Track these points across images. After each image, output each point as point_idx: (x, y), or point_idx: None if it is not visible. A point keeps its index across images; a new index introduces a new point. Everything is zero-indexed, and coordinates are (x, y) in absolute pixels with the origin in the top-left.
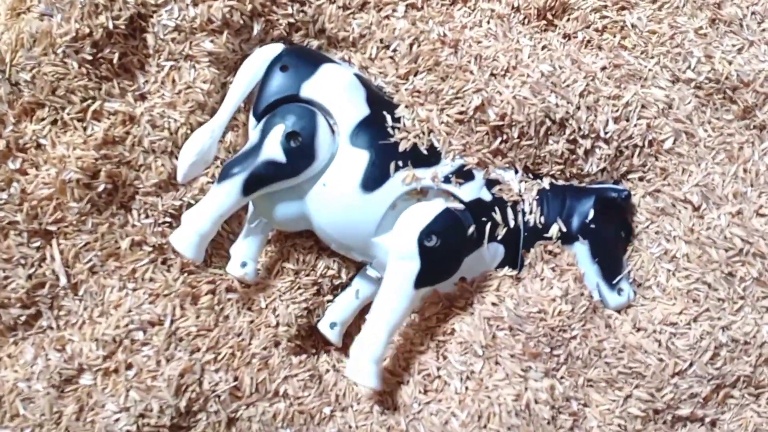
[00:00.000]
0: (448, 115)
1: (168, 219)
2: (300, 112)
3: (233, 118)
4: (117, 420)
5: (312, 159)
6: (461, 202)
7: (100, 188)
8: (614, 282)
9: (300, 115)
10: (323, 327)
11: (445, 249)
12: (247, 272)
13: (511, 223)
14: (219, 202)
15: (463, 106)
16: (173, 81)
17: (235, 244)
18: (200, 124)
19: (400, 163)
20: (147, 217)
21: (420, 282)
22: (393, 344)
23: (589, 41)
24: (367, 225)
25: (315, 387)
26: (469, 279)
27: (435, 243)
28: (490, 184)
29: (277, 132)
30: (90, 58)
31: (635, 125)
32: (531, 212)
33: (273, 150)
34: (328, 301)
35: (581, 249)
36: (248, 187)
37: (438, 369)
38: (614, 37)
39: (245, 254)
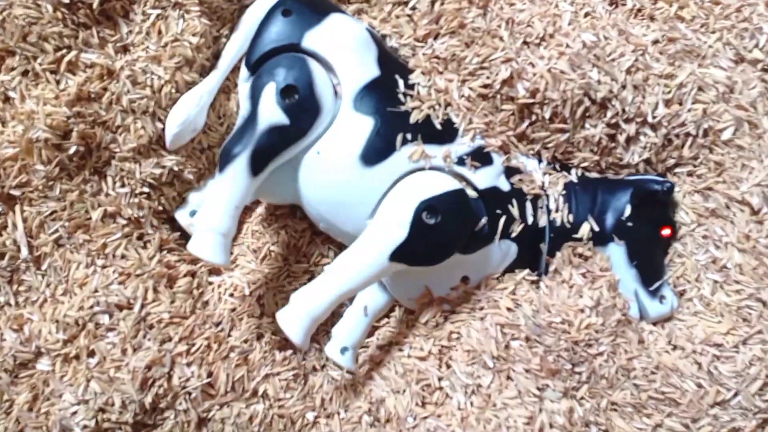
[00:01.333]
0: (470, 88)
1: (146, 189)
2: (288, 62)
3: (228, 78)
4: (74, 413)
5: (317, 111)
6: (474, 189)
7: (71, 150)
8: (655, 288)
9: (289, 65)
10: (333, 353)
11: (441, 233)
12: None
13: (529, 219)
14: (229, 192)
15: (488, 78)
16: (159, 32)
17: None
18: (186, 82)
19: (409, 136)
20: (123, 185)
21: (397, 254)
22: (389, 347)
23: (639, 10)
24: (363, 204)
25: (299, 388)
26: (473, 279)
27: (434, 221)
28: (510, 172)
29: (269, 91)
30: (67, 1)
31: (689, 110)
32: (557, 209)
33: (270, 113)
34: None
35: (617, 251)
36: (256, 165)
37: (439, 379)
38: (670, 6)
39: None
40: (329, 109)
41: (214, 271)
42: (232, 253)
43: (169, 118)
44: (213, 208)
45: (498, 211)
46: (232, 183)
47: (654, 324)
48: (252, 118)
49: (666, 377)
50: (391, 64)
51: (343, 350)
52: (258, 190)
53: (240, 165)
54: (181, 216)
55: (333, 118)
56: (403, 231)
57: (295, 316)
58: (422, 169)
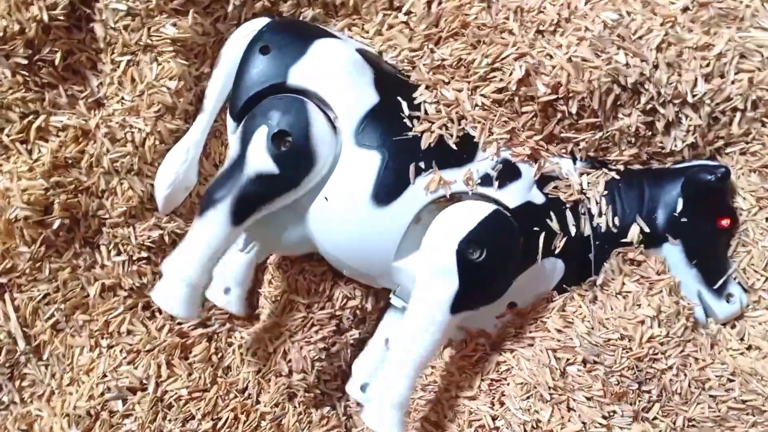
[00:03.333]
0: (483, 95)
1: (145, 254)
2: (284, 104)
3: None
4: None
5: (311, 162)
6: (505, 209)
7: (56, 225)
8: (719, 286)
9: (285, 109)
10: (353, 390)
11: (492, 263)
12: (231, 300)
13: (572, 231)
14: (205, 239)
15: (502, 80)
16: (132, 80)
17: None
18: (170, 131)
19: (422, 165)
20: (119, 253)
21: (458, 305)
22: (433, 388)
23: None
24: (385, 247)
25: None
26: (521, 304)
27: (479, 255)
28: (542, 181)
29: (261, 136)
30: (25, 62)
31: (733, 82)
32: (601, 213)
33: (259, 160)
34: (353, 338)
35: (673, 252)
36: (238, 214)
37: (494, 419)
38: None
39: (228, 277)
40: (326, 156)
41: (233, 329)
42: (254, 306)
43: (156, 180)
44: (184, 254)
45: (535, 228)
46: (210, 230)
47: (723, 325)
48: (239, 161)
49: (745, 384)
50: (391, 86)
51: (364, 387)
52: (269, 244)
53: (221, 212)
54: (214, 295)
55: (336, 158)
56: (453, 280)
57: (386, 413)
58: (444, 197)
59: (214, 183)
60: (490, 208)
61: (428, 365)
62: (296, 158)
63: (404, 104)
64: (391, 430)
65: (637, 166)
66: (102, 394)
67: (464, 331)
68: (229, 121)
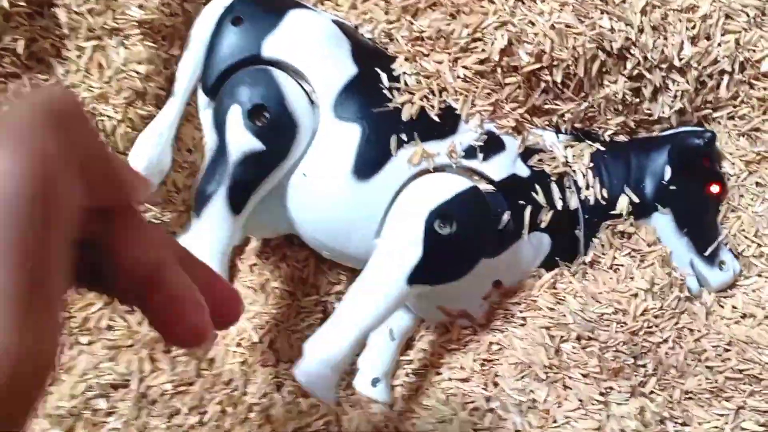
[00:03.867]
0: (465, 67)
1: None
2: (250, 78)
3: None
4: None
5: (294, 127)
6: (490, 182)
7: None
8: (711, 253)
9: (252, 82)
10: (364, 387)
11: (460, 242)
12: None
13: (558, 204)
14: (211, 238)
15: (484, 50)
16: (100, 66)
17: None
18: (142, 118)
19: (404, 137)
20: None
21: (416, 277)
22: (424, 372)
23: None
24: (366, 224)
25: None
26: (507, 282)
27: (449, 231)
28: (527, 153)
29: (235, 116)
30: None
31: (719, 44)
32: (588, 186)
33: (241, 140)
34: None
35: (663, 221)
36: (236, 201)
37: (488, 400)
38: None
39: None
40: (307, 122)
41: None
42: None
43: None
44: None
45: (521, 202)
46: (213, 227)
47: (716, 293)
48: (221, 149)
49: (741, 353)
50: (369, 57)
51: (375, 382)
52: (246, 227)
53: (218, 205)
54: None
55: (314, 132)
56: (417, 249)
57: (314, 370)
58: (427, 171)
59: (202, 179)
60: (468, 183)
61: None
62: (278, 128)
63: (384, 75)
64: (320, 391)
65: (623, 138)
66: (84, 392)
67: (445, 313)
68: (201, 98)
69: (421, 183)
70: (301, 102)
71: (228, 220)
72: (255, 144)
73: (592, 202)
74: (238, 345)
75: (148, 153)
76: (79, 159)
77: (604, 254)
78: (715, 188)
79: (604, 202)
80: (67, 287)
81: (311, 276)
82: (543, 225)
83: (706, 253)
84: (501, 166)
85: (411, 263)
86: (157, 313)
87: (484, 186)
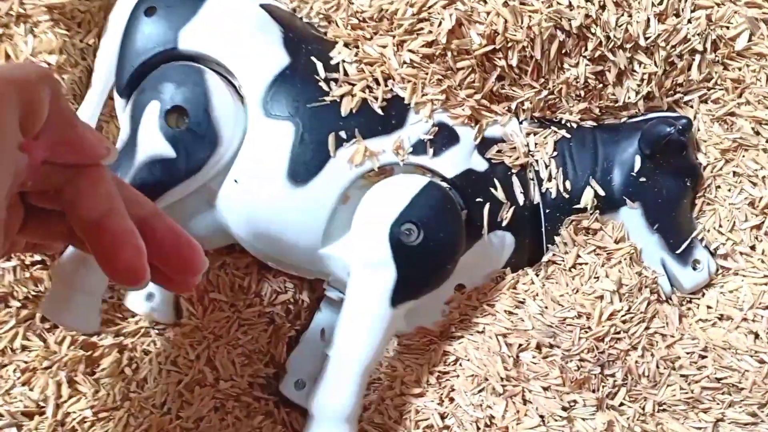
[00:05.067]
0: (411, 51)
1: (39, 257)
2: (179, 75)
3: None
4: None
5: (213, 142)
6: (443, 179)
7: None
8: (683, 250)
9: (180, 80)
10: (287, 389)
11: (432, 244)
12: (155, 307)
13: (520, 199)
14: None
15: (431, 32)
16: (7, 57)
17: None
18: None
19: (344, 134)
20: (8, 258)
21: (398, 297)
22: (376, 386)
23: None
24: (309, 233)
25: None
26: (470, 286)
27: (416, 237)
28: (484, 145)
29: (152, 112)
30: None
31: (689, 21)
32: (550, 178)
33: (152, 142)
34: (288, 337)
35: (632, 216)
36: None
37: (443, 417)
38: None
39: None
40: (231, 138)
41: (147, 334)
42: (180, 311)
43: None
44: (68, 255)
45: (479, 199)
46: None
47: (691, 294)
48: (130, 144)
49: (719, 359)
50: (304, 45)
51: (299, 384)
52: None
53: None
54: (135, 304)
55: (243, 133)
56: (390, 269)
57: (331, 429)
58: (372, 170)
59: None
60: (423, 181)
61: (372, 368)
62: (195, 139)
63: (320, 65)
64: None
65: (590, 123)
66: None
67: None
68: (117, 100)
69: (371, 196)
70: (229, 113)
71: None
72: (166, 149)
73: (554, 195)
74: (173, 363)
75: None
76: (41, 122)
77: (566, 252)
78: (689, 179)
79: (568, 195)
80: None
81: (254, 285)
82: (504, 223)
83: (679, 251)
84: (455, 161)
85: (389, 285)
86: (99, 253)
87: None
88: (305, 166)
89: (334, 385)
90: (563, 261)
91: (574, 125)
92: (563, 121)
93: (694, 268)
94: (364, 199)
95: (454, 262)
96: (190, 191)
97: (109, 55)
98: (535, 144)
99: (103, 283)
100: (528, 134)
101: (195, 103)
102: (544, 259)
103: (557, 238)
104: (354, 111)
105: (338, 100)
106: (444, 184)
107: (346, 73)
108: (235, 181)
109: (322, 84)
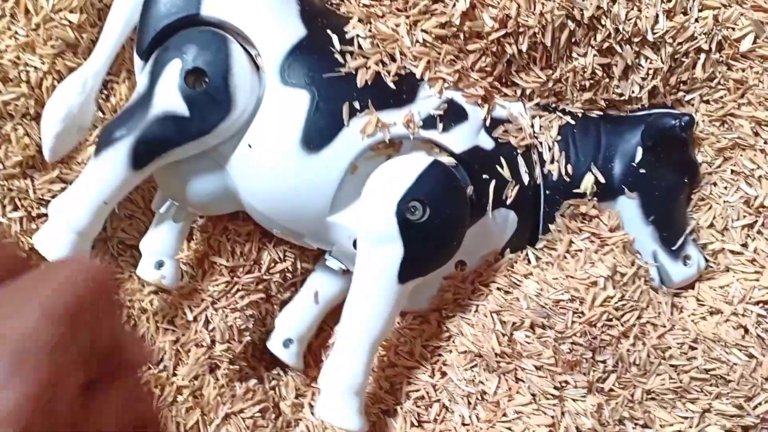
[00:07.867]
0: (424, 31)
1: (45, 209)
2: (203, 39)
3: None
4: None
5: (227, 108)
6: (451, 154)
7: None
8: (677, 247)
9: (203, 44)
10: (275, 346)
11: (437, 221)
12: (165, 275)
13: (525, 179)
14: (99, 181)
15: (444, 13)
16: (27, 12)
17: (144, 237)
18: (71, 71)
19: (357, 105)
20: (15, 208)
21: (406, 273)
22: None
23: None
24: (318, 200)
25: (269, 426)
26: (470, 263)
27: (422, 215)
28: (492, 124)
29: (172, 71)
30: None
31: (697, 20)
32: (553, 160)
33: (168, 99)
34: (282, 300)
35: (629, 206)
36: (139, 157)
37: (435, 390)
38: None
39: (159, 250)
40: (244, 106)
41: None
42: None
43: (44, 116)
44: (74, 198)
45: (485, 176)
46: (106, 172)
47: (682, 288)
48: (146, 97)
49: (708, 351)
50: (320, 18)
51: (287, 342)
52: (188, 202)
53: (119, 152)
54: (146, 271)
55: (259, 100)
56: (397, 245)
57: (339, 402)
58: (382, 142)
59: (114, 119)
60: (428, 160)
61: (378, 347)
62: (210, 102)
63: (335, 38)
64: (350, 422)
65: (596, 113)
66: None
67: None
68: (136, 60)
69: (378, 174)
70: (246, 82)
71: (124, 171)
72: (180, 107)
73: (555, 177)
74: (171, 323)
75: (69, 101)
76: (88, 350)
77: (561, 238)
78: (687, 176)
79: (568, 179)
80: None
81: (254, 252)
82: (509, 201)
83: (674, 247)
84: (463, 138)
85: (396, 262)
86: None
87: (445, 159)
88: (319, 134)
89: (343, 360)
90: (557, 244)
91: (579, 114)
92: (568, 110)
93: (685, 263)
94: (372, 176)
95: (460, 239)
96: (194, 153)
97: (120, 15)
98: (540, 126)
99: (99, 226)
100: (534, 117)
101: (216, 67)
102: (540, 242)
103: (553, 224)
104: (368, 83)
105: (353, 72)
106: (451, 160)
107: (360, 47)
108: (249, 145)
109: (338, 56)
